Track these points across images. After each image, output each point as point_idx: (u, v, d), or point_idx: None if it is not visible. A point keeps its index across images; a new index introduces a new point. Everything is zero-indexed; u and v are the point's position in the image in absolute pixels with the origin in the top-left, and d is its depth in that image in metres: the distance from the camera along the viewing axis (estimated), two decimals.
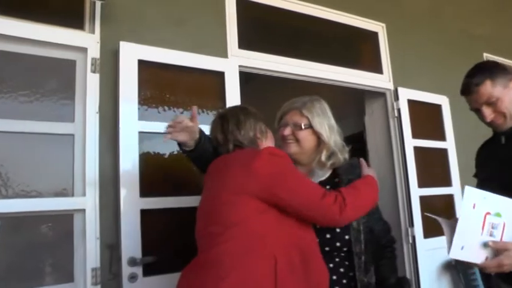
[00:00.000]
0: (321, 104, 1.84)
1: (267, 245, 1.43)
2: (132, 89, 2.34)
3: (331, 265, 1.67)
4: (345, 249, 1.70)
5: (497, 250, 1.55)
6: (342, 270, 1.71)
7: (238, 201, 1.47)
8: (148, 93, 2.43)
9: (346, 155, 1.83)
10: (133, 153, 2.29)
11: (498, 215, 1.63)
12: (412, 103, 3.70)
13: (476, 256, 1.58)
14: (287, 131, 1.77)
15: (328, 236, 1.69)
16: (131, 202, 2.24)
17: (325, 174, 1.82)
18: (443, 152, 3.91)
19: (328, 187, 1.75)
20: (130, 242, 2.21)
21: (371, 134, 3.89)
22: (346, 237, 1.69)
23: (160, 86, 2.49)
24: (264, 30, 3.31)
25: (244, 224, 1.45)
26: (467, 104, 1.86)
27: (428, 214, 1.85)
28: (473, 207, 1.62)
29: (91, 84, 2.27)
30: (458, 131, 3.99)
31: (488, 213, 1.64)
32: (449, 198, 3.79)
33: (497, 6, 5.07)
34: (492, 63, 1.88)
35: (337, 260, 1.71)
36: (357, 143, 4.86)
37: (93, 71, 2.27)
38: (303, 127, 1.76)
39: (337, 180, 1.80)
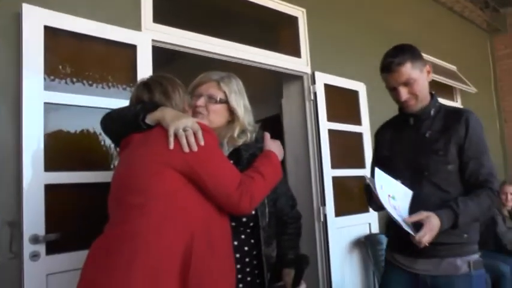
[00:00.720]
0: (238, 82, 1.82)
1: (186, 221, 1.40)
2: (37, 58, 2.19)
3: (236, 243, 1.64)
4: (251, 224, 1.68)
5: (417, 221, 1.70)
6: (246, 248, 1.69)
7: (163, 173, 1.41)
8: (55, 63, 2.28)
9: (255, 134, 1.81)
10: (38, 125, 2.15)
11: (393, 197, 1.79)
12: (329, 88, 3.81)
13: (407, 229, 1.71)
14: (200, 102, 1.71)
15: None
16: (35, 177, 2.11)
17: (227, 150, 1.75)
18: (359, 136, 4.09)
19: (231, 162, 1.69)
20: (33, 218, 2.09)
21: (287, 116, 3.97)
22: (253, 212, 1.66)
23: (70, 56, 2.35)
24: (182, 6, 3.25)
25: (167, 197, 1.40)
26: (384, 83, 1.96)
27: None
28: (381, 188, 1.74)
29: None
30: (374, 117, 4.16)
31: (389, 195, 1.77)
32: (363, 180, 3.95)
33: (413, 3, 5.39)
34: (411, 46, 1.97)
35: (242, 236, 1.69)
36: (273, 125, 4.99)
37: None
38: (218, 100, 1.72)
39: (238, 155, 1.75)
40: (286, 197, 1.88)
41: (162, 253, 1.34)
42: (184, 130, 1.41)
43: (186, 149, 1.40)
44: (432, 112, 1.96)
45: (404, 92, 1.90)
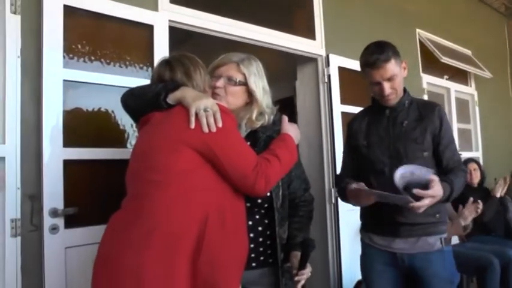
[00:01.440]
0: (258, 64, 1.81)
1: (201, 201, 1.43)
2: (57, 36, 2.23)
3: (250, 222, 1.68)
4: (266, 205, 1.71)
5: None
6: (260, 228, 1.73)
7: (182, 151, 1.43)
8: (74, 41, 2.32)
9: (272, 117, 1.81)
10: (58, 102, 2.21)
11: None
12: (343, 70, 3.81)
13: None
14: (219, 83, 1.71)
15: None
16: (54, 152, 2.17)
17: (244, 131, 1.77)
18: None
19: (248, 143, 1.72)
20: (53, 193, 2.15)
21: (301, 98, 3.98)
22: (268, 193, 1.68)
23: (88, 34, 2.39)
24: None
25: (185, 175, 1.43)
26: (367, 77, 2.07)
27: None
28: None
29: (10, 26, 2.12)
30: None
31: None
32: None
33: None
34: (390, 43, 2.09)
35: (257, 217, 1.72)
36: (286, 107, 5.00)
37: (14, 12, 2.13)
38: (237, 82, 1.72)
39: (255, 137, 1.77)
40: (300, 180, 1.90)
41: (177, 229, 1.38)
42: (205, 111, 1.44)
43: (206, 129, 1.43)
44: (406, 104, 2.12)
45: (387, 87, 2.03)
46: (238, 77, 1.73)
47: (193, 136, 1.44)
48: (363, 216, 2.23)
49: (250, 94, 1.75)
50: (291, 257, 1.77)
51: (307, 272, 1.74)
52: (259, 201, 1.70)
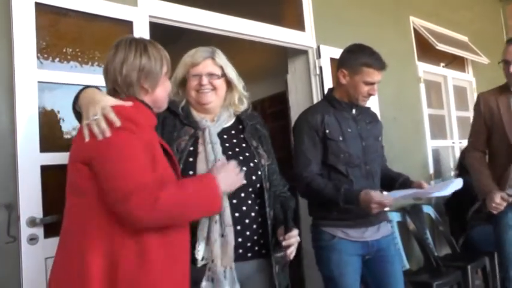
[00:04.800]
0: (223, 53, 1.88)
1: (109, 223, 1.32)
2: (29, 35, 2.12)
3: (244, 208, 1.71)
4: (258, 185, 1.77)
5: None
6: (253, 214, 1.74)
7: (81, 171, 1.35)
8: (48, 41, 2.21)
9: (250, 101, 1.93)
10: (33, 104, 2.09)
11: None
12: (334, 61, 3.68)
13: None
14: (205, 81, 1.77)
15: (244, 168, 1.69)
16: (30, 157, 2.06)
17: (229, 121, 1.87)
18: None
19: (233, 132, 1.84)
20: (30, 201, 2.04)
21: (293, 92, 3.86)
22: (259, 172, 1.77)
23: (62, 33, 2.27)
24: None
25: (91, 195, 1.33)
26: (366, 77, 2.25)
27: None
28: None
29: None
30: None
31: None
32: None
33: None
34: None
35: (249, 202, 1.74)
36: (279, 103, 4.90)
37: None
38: (219, 76, 1.80)
39: (241, 126, 1.88)
40: (279, 176, 1.95)
41: (86, 255, 1.30)
42: (94, 119, 1.34)
43: (98, 137, 1.32)
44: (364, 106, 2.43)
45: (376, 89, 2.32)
46: (218, 71, 1.81)
47: (84, 150, 1.35)
48: (330, 211, 2.23)
49: (228, 82, 1.85)
50: (278, 234, 1.72)
51: (294, 235, 1.67)
52: (254, 178, 1.74)
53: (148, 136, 1.41)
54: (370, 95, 2.31)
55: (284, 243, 1.64)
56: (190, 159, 1.70)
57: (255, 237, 1.74)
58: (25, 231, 2.02)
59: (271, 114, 5.00)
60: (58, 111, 2.23)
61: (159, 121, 1.63)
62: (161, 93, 1.56)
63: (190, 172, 1.67)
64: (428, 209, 4.18)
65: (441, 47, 4.75)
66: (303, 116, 2.36)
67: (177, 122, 1.77)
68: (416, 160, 4.51)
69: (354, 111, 2.35)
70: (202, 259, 1.62)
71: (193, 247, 1.58)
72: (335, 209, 2.19)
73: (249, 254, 1.72)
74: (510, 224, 2.67)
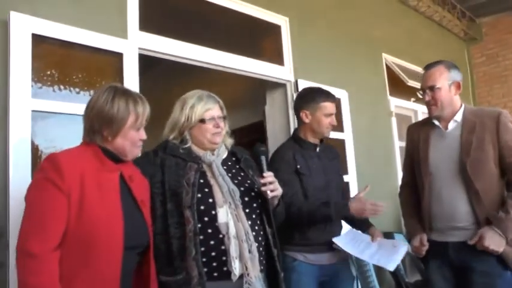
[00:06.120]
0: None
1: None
2: (25, 65, 2.18)
3: (249, 222, 1.90)
4: (259, 199, 1.99)
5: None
6: (256, 228, 1.93)
7: None
8: (43, 71, 2.28)
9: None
10: (25, 133, 2.14)
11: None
12: None
13: None
14: (222, 124, 2.02)
15: (248, 182, 2.00)
16: (22, 186, 2.07)
17: (224, 154, 2.07)
18: (341, 143, 4.12)
19: (229, 163, 2.05)
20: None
21: (271, 123, 4.00)
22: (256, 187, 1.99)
23: (57, 63, 2.35)
24: (168, 14, 3.26)
25: None
26: (323, 111, 2.54)
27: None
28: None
29: None
30: (356, 124, 4.25)
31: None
32: (345, 186, 4.01)
33: (394, 12, 5.50)
34: None
35: (253, 216, 1.95)
36: (256, 132, 5.00)
37: None
38: (226, 117, 2.05)
39: (234, 158, 2.10)
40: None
41: None
42: None
43: None
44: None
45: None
46: (223, 114, 2.06)
47: None
48: (293, 237, 2.46)
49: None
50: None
51: (268, 175, 1.92)
52: (260, 201, 1.99)
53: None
54: (332, 125, 2.58)
55: (262, 181, 1.91)
56: (206, 189, 1.89)
57: (262, 251, 1.95)
58: (13, 258, 2.02)
59: (248, 142, 5.08)
60: (52, 140, 2.28)
61: (156, 163, 1.90)
62: (121, 142, 1.65)
63: (210, 200, 1.88)
64: (399, 237, 4.31)
65: (412, 83, 4.98)
66: (278, 154, 2.58)
67: (179, 161, 1.93)
68: (387, 191, 4.65)
69: (317, 149, 2.61)
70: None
71: (223, 264, 1.82)
72: (297, 235, 2.44)
73: (262, 267, 1.92)
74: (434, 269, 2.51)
